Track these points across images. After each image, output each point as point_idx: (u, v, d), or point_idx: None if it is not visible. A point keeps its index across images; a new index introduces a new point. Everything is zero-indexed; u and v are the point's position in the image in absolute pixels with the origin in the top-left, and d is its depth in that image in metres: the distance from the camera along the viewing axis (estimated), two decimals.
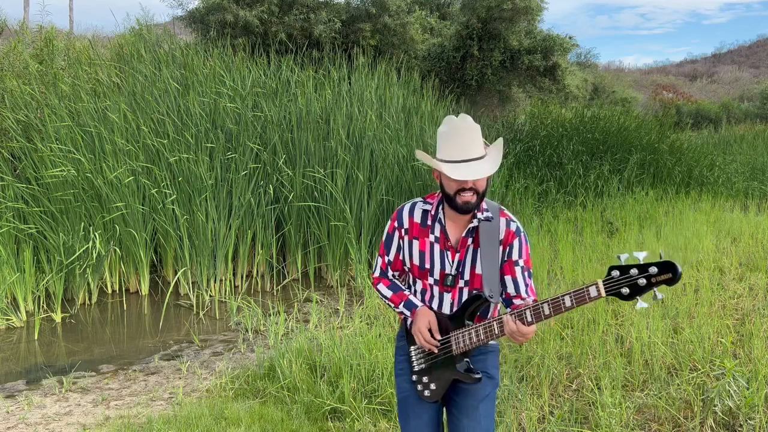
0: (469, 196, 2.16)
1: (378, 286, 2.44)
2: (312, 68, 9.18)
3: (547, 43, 13.29)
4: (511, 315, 2.08)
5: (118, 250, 6.79)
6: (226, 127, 7.55)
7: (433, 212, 2.30)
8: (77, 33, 12.86)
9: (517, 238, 2.26)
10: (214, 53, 9.15)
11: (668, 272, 1.89)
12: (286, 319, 5.70)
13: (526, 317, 2.05)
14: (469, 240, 2.26)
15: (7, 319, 5.94)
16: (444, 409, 2.43)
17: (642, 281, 1.91)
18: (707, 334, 4.41)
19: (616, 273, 1.94)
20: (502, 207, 2.32)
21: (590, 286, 1.96)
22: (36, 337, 5.68)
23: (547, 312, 2.02)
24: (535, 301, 2.17)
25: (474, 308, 2.22)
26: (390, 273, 2.43)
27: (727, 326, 4.72)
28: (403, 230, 2.34)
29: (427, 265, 2.29)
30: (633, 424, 3.48)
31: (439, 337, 2.25)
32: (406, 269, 2.39)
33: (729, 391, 3.45)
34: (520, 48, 13.13)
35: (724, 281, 6.15)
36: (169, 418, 3.79)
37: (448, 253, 2.26)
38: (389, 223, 2.39)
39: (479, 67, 13.13)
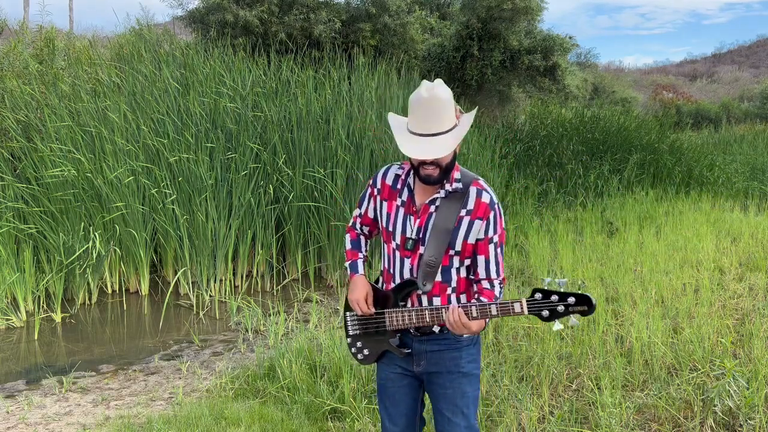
0: (431, 170, 2.15)
1: (346, 236, 2.55)
2: (312, 68, 9.16)
3: (547, 43, 13.26)
4: (459, 306, 2.15)
5: (118, 250, 6.79)
6: (226, 127, 7.55)
7: (403, 177, 2.32)
8: (77, 33, 12.84)
9: (492, 213, 2.22)
10: (214, 53, 9.14)
11: (584, 305, 2.07)
12: (286, 319, 5.70)
13: (471, 312, 2.14)
14: (432, 207, 2.24)
15: (7, 319, 5.94)
16: (422, 400, 2.50)
17: (561, 308, 2.09)
18: (707, 334, 4.41)
19: (538, 296, 2.11)
20: (479, 178, 2.26)
21: (515, 302, 2.11)
22: (36, 337, 5.68)
23: (474, 314, 2.14)
24: (501, 284, 2.27)
25: (406, 293, 2.29)
26: (358, 225, 2.50)
27: (727, 326, 4.72)
28: (375, 190, 2.39)
29: (391, 228, 2.31)
30: (633, 424, 3.48)
31: (374, 310, 2.34)
32: (378, 229, 2.46)
33: (729, 391, 3.44)
34: (520, 48, 13.10)
35: (724, 281, 6.15)
36: (169, 418, 3.79)
37: (411, 217, 2.26)
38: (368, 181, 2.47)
39: (479, 67, 13.11)
